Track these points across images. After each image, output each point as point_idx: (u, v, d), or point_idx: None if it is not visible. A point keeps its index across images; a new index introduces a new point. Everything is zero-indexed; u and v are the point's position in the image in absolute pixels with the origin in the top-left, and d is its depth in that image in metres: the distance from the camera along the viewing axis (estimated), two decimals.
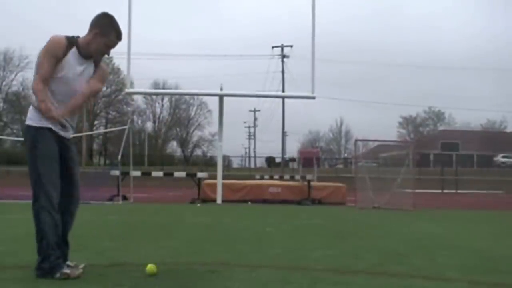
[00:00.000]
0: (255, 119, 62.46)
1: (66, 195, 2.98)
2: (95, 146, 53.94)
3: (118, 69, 49.72)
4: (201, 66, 71.61)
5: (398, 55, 71.78)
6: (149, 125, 58.58)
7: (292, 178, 16.57)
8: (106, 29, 2.98)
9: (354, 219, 8.97)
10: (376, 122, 64.06)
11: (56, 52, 2.90)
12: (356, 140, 15.69)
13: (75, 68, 2.98)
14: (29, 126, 2.94)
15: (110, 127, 47.50)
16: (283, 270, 3.51)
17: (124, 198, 12.94)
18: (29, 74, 45.13)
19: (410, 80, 69.29)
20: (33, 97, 2.95)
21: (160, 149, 55.75)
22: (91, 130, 46.91)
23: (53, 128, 2.95)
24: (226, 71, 61.87)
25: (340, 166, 48.08)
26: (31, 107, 3.00)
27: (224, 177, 14.12)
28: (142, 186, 19.28)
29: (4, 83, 49.67)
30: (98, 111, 52.09)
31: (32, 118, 2.96)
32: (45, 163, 2.88)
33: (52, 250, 2.88)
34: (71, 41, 2.98)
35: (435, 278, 3.39)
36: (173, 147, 60.81)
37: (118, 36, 3.03)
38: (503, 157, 45.38)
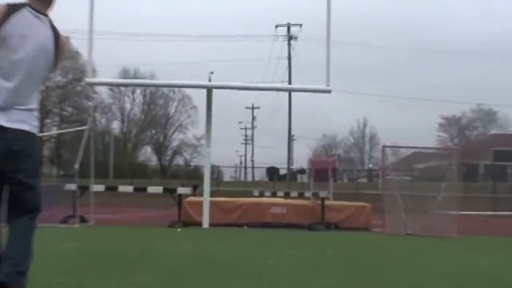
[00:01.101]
0: (253, 118, 62.84)
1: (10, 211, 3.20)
2: (45, 152, 53.98)
3: (77, 52, 49.84)
4: (184, 50, 71.63)
5: (439, 38, 72.18)
6: (116, 125, 58.72)
7: (301, 195, 16.55)
8: None
9: (382, 249, 8.97)
10: (409, 123, 64.40)
11: None
12: (384, 147, 15.69)
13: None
14: None
15: (65, 128, 47.54)
16: None
17: (83, 220, 12.92)
18: None
19: (454, 70, 69.60)
20: None
21: (130, 157, 55.86)
22: (41, 131, 46.98)
23: None
24: (217, 57, 62.04)
25: (364, 180, 48.22)
26: None
27: (213, 194, 14.08)
28: (106, 204, 19.25)
29: None
30: (49, 107, 52.21)
31: None
32: None
33: None
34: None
35: None
36: (147, 154, 60.96)
37: None
38: None
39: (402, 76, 71.21)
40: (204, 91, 13.42)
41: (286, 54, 43.83)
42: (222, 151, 55.96)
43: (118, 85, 51.26)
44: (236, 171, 60.90)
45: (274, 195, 16.50)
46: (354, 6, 60.75)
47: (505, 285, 5.32)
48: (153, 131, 59.58)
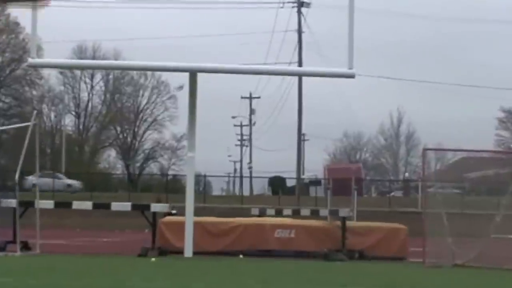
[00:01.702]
0: (252, 111, 62.70)
1: None
2: None
3: (17, 23, 49.92)
4: (159, 22, 71.68)
5: (497, 6, 72.18)
6: (69, 121, 58.73)
7: (314, 213, 16.54)
8: None
9: (421, 286, 8.95)
10: (459, 119, 64.34)
11: None
12: (425, 150, 15.71)
13: None
14: None
15: (2, 124, 47.56)
16: None
17: (25, 246, 12.87)
18: None
19: None
20: None
21: (88, 162, 55.81)
22: None
23: None
24: (203, 31, 61.97)
25: (398, 193, 48.18)
26: None
27: (198, 212, 14.08)
28: (57, 225, 19.29)
29: None
30: None
31: None
32: None
33: None
34: None
35: None
36: (111, 159, 60.98)
37: None
38: None
39: (448, 56, 71.20)
40: (186, 75, 13.43)
41: (295, 27, 43.83)
42: (211, 156, 56.20)
43: (71, 68, 50.35)
44: (228, 182, 60.88)
45: (279, 213, 16.49)
46: None
47: None
48: (118, 129, 59.43)
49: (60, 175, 43.88)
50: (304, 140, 49.87)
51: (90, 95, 58.62)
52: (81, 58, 49.74)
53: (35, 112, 17.50)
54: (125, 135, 59.51)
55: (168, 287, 7.74)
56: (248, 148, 64.50)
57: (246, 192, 48.81)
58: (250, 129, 63.58)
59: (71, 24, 53.87)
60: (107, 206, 16.00)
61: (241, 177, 59.27)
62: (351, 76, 12.64)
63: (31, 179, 25.50)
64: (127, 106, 59.22)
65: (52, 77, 55.50)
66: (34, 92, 54.53)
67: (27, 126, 14.32)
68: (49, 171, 42.30)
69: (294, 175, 45.63)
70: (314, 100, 59.36)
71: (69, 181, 42.69)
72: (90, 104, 58.64)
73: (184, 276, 9.18)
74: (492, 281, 9.74)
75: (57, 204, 15.25)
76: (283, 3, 43.48)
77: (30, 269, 9.56)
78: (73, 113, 58.42)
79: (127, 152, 58.82)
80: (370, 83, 58.83)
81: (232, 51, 54.02)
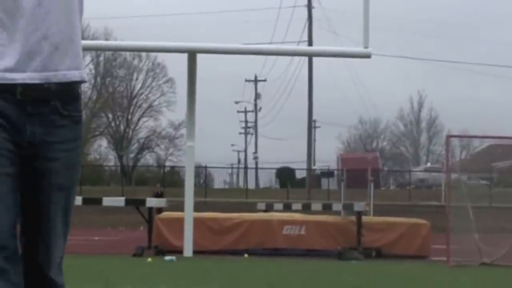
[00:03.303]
0: (257, 96, 62.68)
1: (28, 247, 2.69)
2: None
3: None
4: None
5: None
6: None
7: (326, 208, 16.58)
8: None
9: (445, 287, 8.97)
10: (486, 103, 64.23)
11: None
12: (449, 137, 15.72)
13: None
14: None
15: None
16: None
17: None
18: None
19: None
20: None
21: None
22: None
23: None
24: (202, 8, 61.92)
25: (419, 185, 48.17)
26: None
27: (198, 207, 14.12)
28: None
29: None
30: None
31: None
32: None
33: None
34: None
35: None
36: (101, 149, 61.17)
37: None
38: None
39: (475, 37, 71.03)
40: (185, 56, 13.44)
41: (304, 2, 43.76)
42: (212, 145, 56.37)
43: None
44: (232, 174, 60.88)
45: (287, 208, 16.53)
46: None
47: None
48: (110, 116, 59.56)
49: None
50: (315, 127, 49.82)
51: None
52: None
53: None
54: (117, 122, 59.58)
55: None
56: (254, 136, 64.41)
57: (251, 185, 48.95)
58: (256, 115, 63.34)
59: None
60: (98, 201, 16.08)
61: (246, 168, 59.33)
62: (367, 56, 12.63)
63: None
64: (119, 91, 59.30)
65: None
66: None
67: None
68: None
69: (304, 166, 45.54)
70: (326, 83, 59.52)
71: None
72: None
73: (184, 278, 9.22)
74: None
75: None
76: None
77: None
78: None
79: (120, 142, 58.92)
80: (388, 63, 58.84)
81: (234, 30, 53.93)
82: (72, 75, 2.60)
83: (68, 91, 2.60)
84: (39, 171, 2.54)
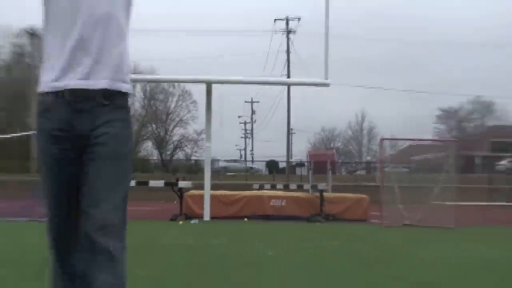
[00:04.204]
0: (253, 112, 62.70)
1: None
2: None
3: None
4: (183, 45, 71.55)
5: (436, 30, 71.86)
6: None
7: (300, 187, 16.57)
8: None
9: (380, 240, 8.98)
10: (407, 116, 64.33)
11: None
12: (382, 139, 15.70)
13: None
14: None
15: None
16: None
17: None
18: None
19: (452, 62, 69.26)
20: None
21: (132, 152, 55.80)
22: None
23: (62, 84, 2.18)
24: (216, 52, 61.97)
25: (362, 172, 48.22)
26: None
27: (213, 187, 14.10)
28: None
29: None
30: None
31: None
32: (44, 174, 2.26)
33: None
34: None
35: None
36: (148, 148, 60.93)
37: None
38: None
39: (401, 70, 71.15)
40: (204, 86, 13.41)
41: (285, 48, 43.72)
42: (223, 145, 56.19)
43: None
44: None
45: (273, 188, 16.51)
46: (354, 2, 60.65)
47: (502, 272, 5.34)
48: (154, 126, 59.50)
49: None
50: (292, 133, 49.91)
51: (133, 101, 58.76)
52: None
53: None
54: (159, 130, 59.71)
55: (192, 243, 7.74)
56: (251, 140, 64.89)
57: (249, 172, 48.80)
58: (252, 125, 63.95)
59: None
60: (146, 183, 16.00)
61: (245, 161, 59.37)
62: (326, 85, 12.65)
63: None
64: (160, 109, 59.36)
65: None
66: None
67: None
68: None
69: (284, 159, 45.82)
70: (300, 103, 59.78)
71: None
72: (132, 108, 58.77)
73: (205, 234, 9.20)
74: (431, 237, 9.76)
75: None
76: (276, 31, 43.70)
77: None
78: None
79: (160, 144, 59.09)
80: (341, 90, 58.87)
81: (239, 66, 53.84)
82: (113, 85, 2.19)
83: (108, 91, 2.18)
84: (93, 151, 2.15)
